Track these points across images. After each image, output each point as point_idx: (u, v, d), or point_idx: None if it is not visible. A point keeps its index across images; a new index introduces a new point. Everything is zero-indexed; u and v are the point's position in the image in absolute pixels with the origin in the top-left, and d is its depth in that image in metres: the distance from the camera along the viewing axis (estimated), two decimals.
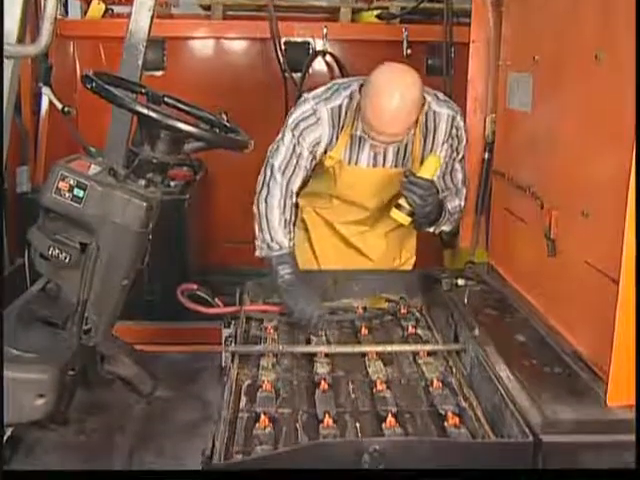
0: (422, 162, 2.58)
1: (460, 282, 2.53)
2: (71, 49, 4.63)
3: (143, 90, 2.35)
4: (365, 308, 2.62)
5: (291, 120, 2.60)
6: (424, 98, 2.47)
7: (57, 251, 2.21)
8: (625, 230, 1.60)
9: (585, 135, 1.93)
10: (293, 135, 2.57)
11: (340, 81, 2.69)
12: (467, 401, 1.97)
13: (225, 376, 2.04)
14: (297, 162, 2.59)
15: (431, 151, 2.63)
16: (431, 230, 2.70)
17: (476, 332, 2.13)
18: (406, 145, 2.62)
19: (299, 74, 4.53)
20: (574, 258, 1.96)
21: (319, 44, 4.61)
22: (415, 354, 2.24)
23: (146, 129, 2.18)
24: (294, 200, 2.63)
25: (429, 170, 2.50)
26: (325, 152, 2.64)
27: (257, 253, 2.58)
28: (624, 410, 1.67)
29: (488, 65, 2.70)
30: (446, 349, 2.25)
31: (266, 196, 2.57)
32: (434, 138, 2.62)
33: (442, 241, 4.32)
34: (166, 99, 2.37)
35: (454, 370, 2.15)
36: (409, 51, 4.46)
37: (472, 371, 2.07)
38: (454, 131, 2.62)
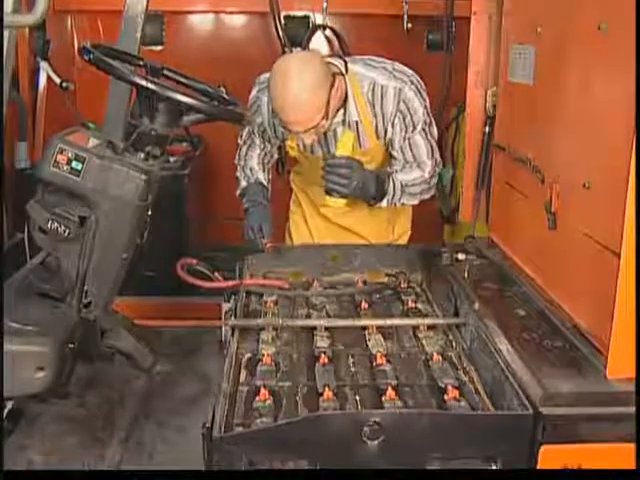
0: (386, 144, 2.62)
1: (460, 256, 2.53)
2: (69, 23, 4.61)
3: (141, 62, 2.33)
4: (365, 282, 2.61)
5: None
6: (328, 79, 2.38)
7: (56, 224, 2.20)
8: (626, 202, 1.59)
9: (587, 107, 1.91)
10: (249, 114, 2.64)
11: None
12: (467, 375, 1.97)
13: (225, 350, 2.04)
14: (252, 140, 2.86)
15: (384, 126, 2.58)
16: (384, 205, 2.65)
17: (476, 306, 2.13)
18: (357, 125, 2.58)
19: (299, 48, 4.50)
20: (575, 231, 1.95)
21: (319, 18, 4.59)
22: (415, 328, 2.23)
23: (145, 101, 2.17)
24: (257, 166, 2.87)
25: (345, 147, 2.50)
26: (282, 140, 2.73)
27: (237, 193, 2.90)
28: (624, 383, 1.67)
29: (490, 38, 2.67)
30: (446, 323, 2.25)
31: (235, 160, 2.93)
32: (383, 113, 2.56)
33: (442, 216, 4.33)
34: (165, 71, 2.36)
35: (454, 344, 2.15)
36: (409, 25, 4.44)
37: (472, 345, 2.07)
38: (402, 105, 2.53)
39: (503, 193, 2.56)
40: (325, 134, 2.58)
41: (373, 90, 2.52)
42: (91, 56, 2.05)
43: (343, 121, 2.52)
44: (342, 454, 1.62)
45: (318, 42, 4.64)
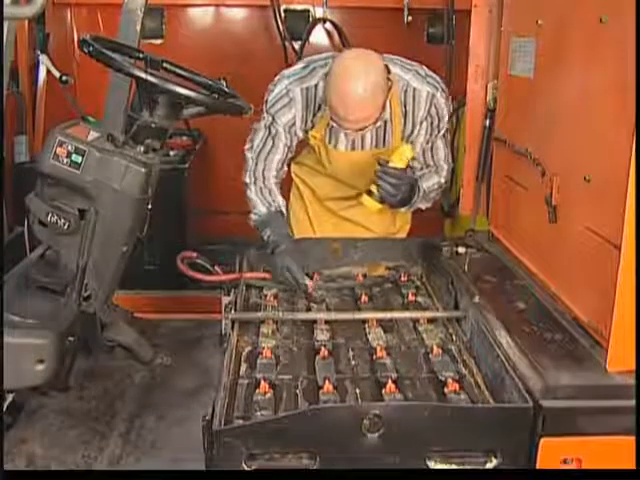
0: (403, 142, 2.60)
1: (460, 250, 2.52)
2: (68, 16, 4.59)
3: (141, 55, 2.33)
4: (365, 275, 2.61)
5: (268, 100, 2.61)
6: (387, 80, 2.40)
7: (56, 217, 2.20)
8: (627, 195, 1.59)
9: (588, 100, 1.91)
10: (269, 116, 2.59)
11: (317, 57, 2.64)
12: (467, 368, 1.97)
13: (225, 343, 2.04)
14: (274, 142, 2.62)
15: (412, 128, 2.61)
16: (403, 210, 2.71)
17: (476, 299, 2.12)
18: (385, 125, 2.59)
19: (299, 42, 4.50)
20: (575, 224, 1.95)
21: (319, 11, 4.58)
22: (415, 321, 2.23)
23: (145, 94, 2.17)
24: (274, 179, 2.67)
25: (401, 159, 2.50)
26: (306, 131, 2.64)
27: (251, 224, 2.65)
28: (624, 376, 1.67)
29: (490, 31, 2.66)
30: (446, 316, 2.25)
31: (243, 177, 2.68)
32: (413, 116, 2.59)
33: (442, 210, 4.32)
34: (165, 64, 2.35)
35: (454, 337, 2.15)
36: (410, 18, 4.43)
37: (472, 338, 2.07)
38: (433, 110, 2.58)
39: (503, 186, 2.56)
40: None
41: (406, 92, 2.54)
42: (91, 48, 2.04)
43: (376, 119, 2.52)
44: (342, 447, 1.62)
45: (318, 36, 4.64)
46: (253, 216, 2.62)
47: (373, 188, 2.50)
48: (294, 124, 2.61)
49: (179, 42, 4.65)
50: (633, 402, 1.57)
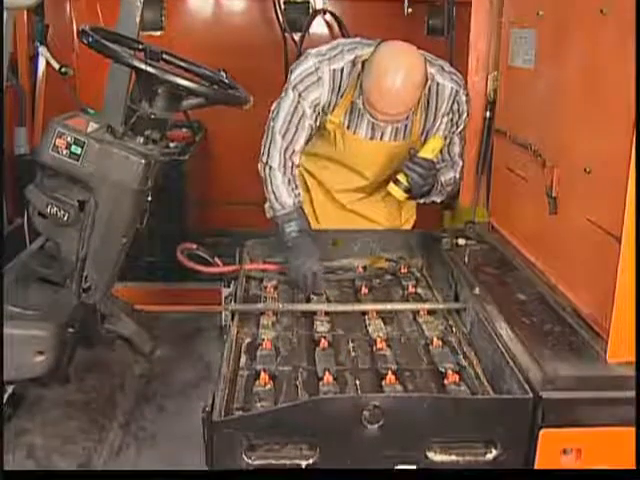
0: (425, 140, 2.61)
1: (460, 241, 2.52)
2: (67, 8, 4.58)
3: (141, 46, 2.32)
4: (365, 267, 2.61)
5: (293, 77, 2.54)
6: (427, 76, 2.42)
7: (55, 209, 2.20)
8: (627, 187, 1.58)
9: (588, 91, 1.90)
10: (295, 93, 2.53)
11: (344, 41, 2.62)
12: (467, 359, 1.97)
13: (225, 335, 2.04)
14: (299, 122, 2.55)
15: (433, 123, 2.62)
16: (420, 201, 2.73)
17: (476, 291, 2.12)
18: (407, 118, 2.58)
19: (299, 33, 4.49)
20: (575, 216, 1.94)
21: (319, 3, 4.57)
22: (415, 313, 2.23)
23: (144, 85, 2.16)
24: (297, 160, 2.60)
25: (431, 150, 2.53)
26: (325, 114, 2.60)
27: (267, 214, 2.59)
28: (624, 367, 1.67)
29: (491, 22, 2.66)
30: (446, 308, 2.25)
31: (267, 159, 2.55)
32: (436, 111, 2.60)
33: (442, 201, 4.31)
34: (165, 55, 2.34)
35: (454, 329, 2.15)
36: (410, 10, 4.41)
37: (472, 329, 2.07)
38: (455, 106, 2.59)
39: (504, 178, 2.55)
40: None
41: (430, 87, 2.53)
42: (90, 39, 2.03)
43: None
44: (342, 438, 1.62)
45: (318, 27, 4.63)
46: (277, 206, 2.51)
47: (401, 177, 2.51)
48: (319, 104, 2.56)
49: (179, 34, 4.64)
50: (633, 393, 1.57)
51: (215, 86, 2.31)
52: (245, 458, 1.59)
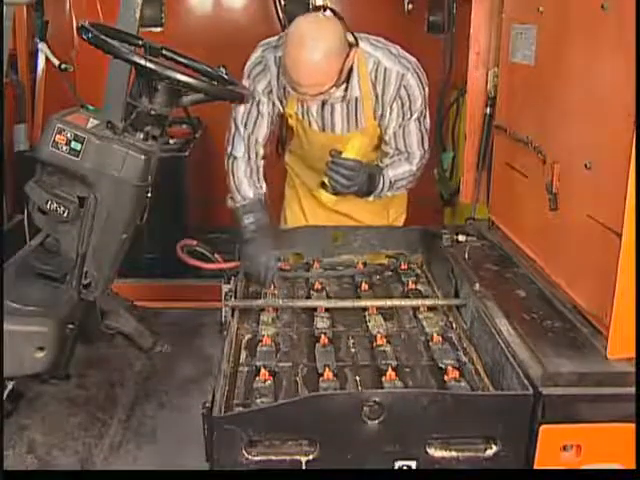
0: (381, 129, 2.57)
1: (461, 238, 2.52)
2: (67, 4, 4.57)
3: (140, 42, 2.32)
4: (365, 264, 2.61)
5: (246, 68, 2.60)
6: (348, 47, 2.36)
7: (55, 205, 2.20)
8: (627, 183, 1.58)
9: (589, 87, 1.90)
10: (249, 82, 2.56)
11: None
12: (467, 355, 1.98)
13: (225, 331, 2.04)
14: (258, 110, 2.58)
15: (383, 110, 2.55)
16: (371, 198, 2.64)
17: (477, 287, 2.12)
18: (356, 104, 2.55)
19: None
20: (576, 212, 1.94)
21: None
22: (415, 309, 2.23)
23: (144, 81, 2.16)
24: (261, 151, 2.63)
25: (353, 149, 2.47)
26: (281, 102, 2.61)
27: (227, 205, 2.62)
28: (624, 363, 1.67)
29: (491, 18, 2.65)
30: (446, 304, 2.25)
31: (231, 150, 2.60)
32: (383, 96, 2.53)
33: (442, 199, 4.32)
34: (164, 51, 2.34)
35: (454, 325, 2.15)
36: (410, 6, 4.41)
37: (472, 326, 2.07)
38: (403, 91, 2.50)
39: (504, 174, 2.55)
40: (323, 107, 2.56)
41: (377, 70, 2.49)
42: (90, 35, 2.03)
43: (344, 97, 2.49)
44: (342, 434, 1.62)
45: None
46: (238, 197, 2.56)
47: (325, 179, 2.46)
48: (271, 91, 2.58)
49: (179, 30, 4.64)
50: (633, 389, 1.58)
51: (215, 82, 2.31)
52: (245, 454, 1.59)
